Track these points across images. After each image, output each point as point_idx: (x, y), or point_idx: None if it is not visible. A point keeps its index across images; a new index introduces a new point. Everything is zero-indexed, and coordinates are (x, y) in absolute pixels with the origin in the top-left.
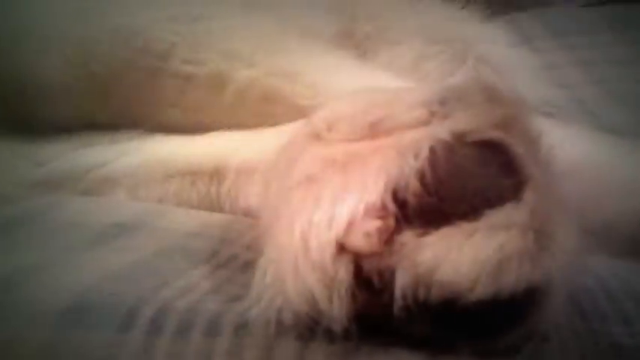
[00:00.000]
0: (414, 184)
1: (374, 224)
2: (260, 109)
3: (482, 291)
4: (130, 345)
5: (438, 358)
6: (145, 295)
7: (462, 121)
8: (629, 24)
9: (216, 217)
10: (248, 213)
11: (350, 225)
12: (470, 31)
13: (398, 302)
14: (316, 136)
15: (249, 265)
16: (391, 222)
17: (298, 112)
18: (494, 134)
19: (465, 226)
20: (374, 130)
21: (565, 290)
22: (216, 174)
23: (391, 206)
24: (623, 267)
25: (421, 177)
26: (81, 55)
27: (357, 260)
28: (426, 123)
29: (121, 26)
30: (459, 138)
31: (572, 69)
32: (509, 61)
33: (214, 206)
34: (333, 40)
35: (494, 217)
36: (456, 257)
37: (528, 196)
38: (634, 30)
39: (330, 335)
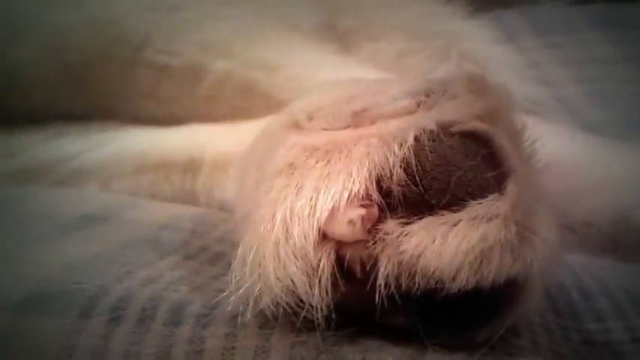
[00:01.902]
0: (399, 173)
1: (357, 212)
2: (237, 102)
3: (464, 280)
4: (89, 333)
5: (408, 350)
6: (107, 284)
7: (448, 111)
8: (615, 23)
9: (189, 210)
10: (223, 207)
11: (333, 213)
12: (453, 27)
13: (380, 291)
14: (296, 126)
15: (219, 257)
16: (375, 211)
17: (276, 106)
18: (479, 126)
19: (449, 216)
20: (357, 119)
21: (543, 284)
22: (190, 167)
23: (375, 195)
24: (598, 264)
25: (406, 166)
26: (55, 44)
27: (340, 249)
28: (411, 112)
29: (96, 15)
30: (445, 128)
31: (555, 67)
32: (493, 58)
33: (189, 200)
34: (314, 33)
35: (478, 208)
36: (439, 246)
37: (511, 188)
38: (619, 29)
39: (294, 325)
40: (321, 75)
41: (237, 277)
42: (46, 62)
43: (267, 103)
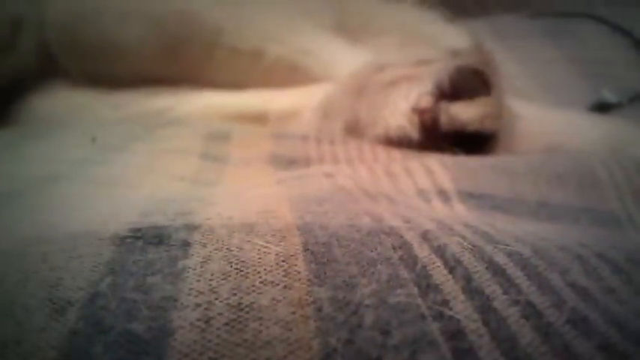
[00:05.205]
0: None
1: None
2: (286, 78)
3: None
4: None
5: None
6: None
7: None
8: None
9: None
10: None
11: None
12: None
13: None
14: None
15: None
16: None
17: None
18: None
19: None
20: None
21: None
22: (259, 118)
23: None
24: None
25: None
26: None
27: None
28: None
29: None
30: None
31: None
32: None
33: None
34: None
35: None
36: None
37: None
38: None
39: None
40: (348, 60)
41: None
42: (147, 41)
43: (308, 80)
